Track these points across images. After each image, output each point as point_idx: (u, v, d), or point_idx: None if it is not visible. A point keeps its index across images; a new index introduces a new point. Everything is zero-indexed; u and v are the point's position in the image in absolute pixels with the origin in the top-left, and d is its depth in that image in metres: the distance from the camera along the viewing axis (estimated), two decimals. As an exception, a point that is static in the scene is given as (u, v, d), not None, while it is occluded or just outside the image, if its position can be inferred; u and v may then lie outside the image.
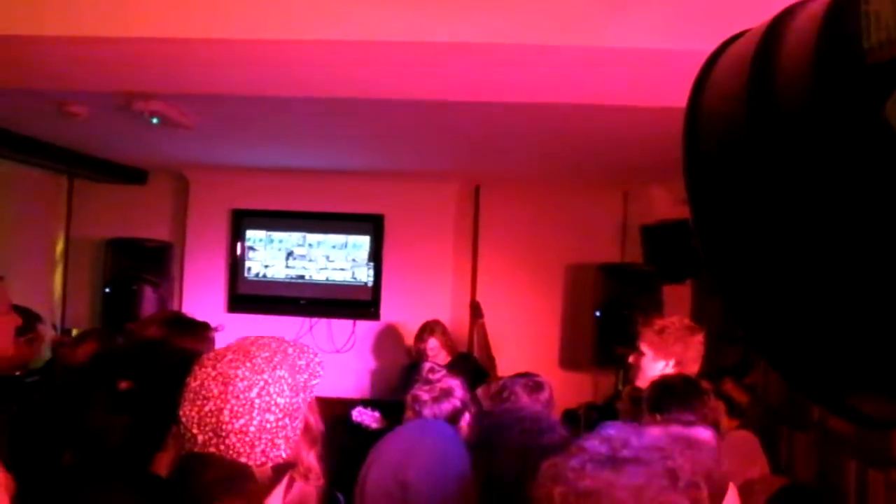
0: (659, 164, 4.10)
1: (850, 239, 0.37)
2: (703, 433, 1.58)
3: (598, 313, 4.72)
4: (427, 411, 2.13)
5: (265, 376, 0.99)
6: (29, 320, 2.71)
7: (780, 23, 0.44)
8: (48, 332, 3.22)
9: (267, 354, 1.03)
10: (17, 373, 2.93)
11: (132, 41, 1.90)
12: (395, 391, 4.51)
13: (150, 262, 5.04)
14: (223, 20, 1.86)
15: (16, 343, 2.53)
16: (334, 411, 4.21)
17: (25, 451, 1.49)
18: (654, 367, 2.26)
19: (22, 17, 1.84)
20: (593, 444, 0.87)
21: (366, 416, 3.85)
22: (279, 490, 1.04)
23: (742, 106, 0.43)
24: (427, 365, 2.28)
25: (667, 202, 4.84)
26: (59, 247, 5.35)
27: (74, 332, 4.47)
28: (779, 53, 0.42)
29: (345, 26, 1.82)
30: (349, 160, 4.57)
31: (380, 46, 1.86)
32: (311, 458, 1.10)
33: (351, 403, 4.80)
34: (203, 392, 0.98)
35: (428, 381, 2.18)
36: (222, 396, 0.97)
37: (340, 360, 4.95)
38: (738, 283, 0.47)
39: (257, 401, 0.97)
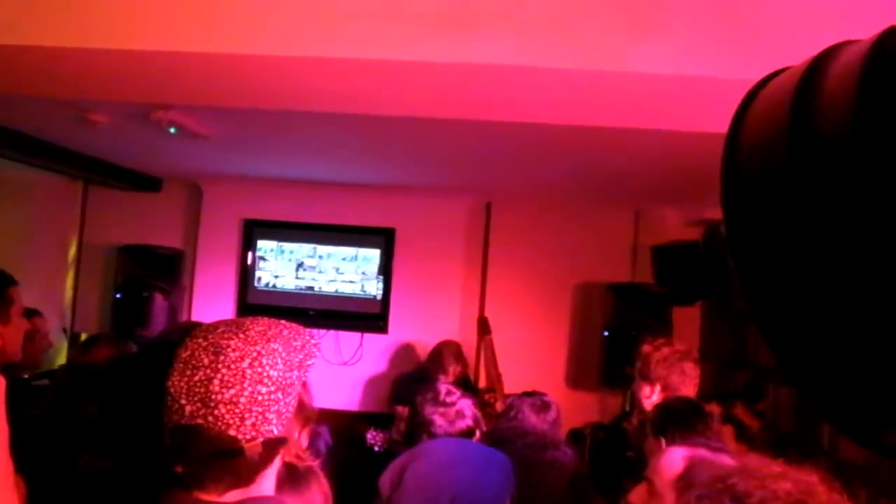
0: (671, 185, 4.11)
1: (887, 273, 0.37)
2: (727, 461, 1.57)
3: (606, 333, 4.70)
4: (442, 433, 2.13)
5: (258, 347, 0.96)
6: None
7: (822, 61, 0.45)
8: (45, 325, 3.22)
9: (261, 328, 1.00)
10: (25, 375, 2.95)
11: (154, 54, 1.93)
12: (391, 400, 4.48)
13: (162, 269, 5.06)
14: (243, 36, 1.88)
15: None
16: (340, 423, 4.22)
17: (38, 455, 1.50)
18: (643, 391, 2.25)
19: (49, 29, 1.87)
20: None
21: (379, 439, 4.05)
22: (271, 471, 1.00)
23: (783, 139, 0.44)
24: (444, 387, 2.26)
25: (678, 223, 4.83)
26: (72, 251, 5.39)
27: (83, 336, 4.50)
28: (821, 90, 0.43)
29: (362, 45, 1.84)
30: (362, 174, 4.60)
31: (398, 66, 1.88)
32: (303, 438, 1.07)
33: (357, 416, 4.80)
34: (193, 362, 0.95)
35: (445, 405, 2.17)
36: (213, 366, 0.94)
37: (347, 373, 4.95)
38: (774, 313, 0.47)
39: (249, 371, 0.94)
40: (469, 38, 1.74)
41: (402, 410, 3.70)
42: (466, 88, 2.04)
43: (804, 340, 0.45)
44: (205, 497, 0.95)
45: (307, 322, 4.97)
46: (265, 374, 0.95)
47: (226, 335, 0.97)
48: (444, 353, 4.36)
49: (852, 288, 0.39)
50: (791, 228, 0.43)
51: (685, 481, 1.37)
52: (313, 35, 1.85)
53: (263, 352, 0.96)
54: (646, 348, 2.30)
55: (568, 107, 2.17)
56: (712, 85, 1.65)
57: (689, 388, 2.22)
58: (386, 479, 2.00)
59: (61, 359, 4.66)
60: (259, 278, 5.09)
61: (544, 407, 2.51)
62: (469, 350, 4.91)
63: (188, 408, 0.93)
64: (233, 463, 0.94)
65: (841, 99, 0.40)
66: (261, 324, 1.01)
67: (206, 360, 0.94)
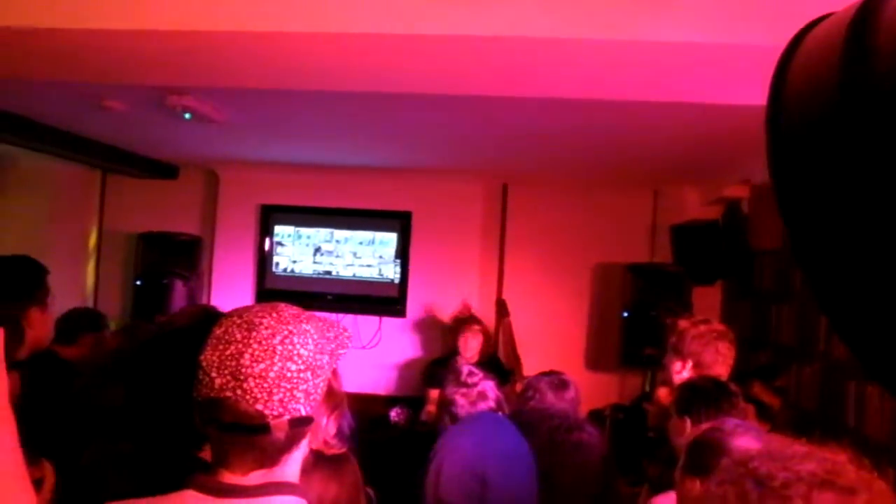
0: (690, 163, 4.05)
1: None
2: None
3: (625, 314, 4.67)
4: (463, 413, 2.14)
5: (290, 327, 0.98)
6: (98, 322, 2.79)
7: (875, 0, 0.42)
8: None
9: (294, 312, 1.02)
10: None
11: (169, 34, 1.92)
12: (422, 385, 4.53)
13: (181, 255, 5.10)
14: (257, 13, 1.87)
15: (80, 343, 2.63)
16: (360, 407, 4.25)
17: (63, 440, 1.52)
18: (674, 366, 2.22)
19: (61, 11, 1.87)
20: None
21: (403, 416, 4.19)
22: (297, 455, 1.00)
23: (836, 81, 0.41)
24: (466, 368, 2.28)
25: (697, 202, 4.77)
26: (92, 240, 5.44)
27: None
28: (876, 29, 0.40)
29: (378, 20, 1.82)
30: (378, 157, 4.58)
31: (414, 40, 1.85)
32: (330, 424, 1.06)
33: (376, 400, 4.83)
34: (226, 337, 0.96)
35: (466, 385, 2.19)
36: (245, 341, 0.95)
37: (366, 357, 4.97)
38: (830, 273, 0.44)
39: (279, 347, 0.95)
40: (485, 9, 1.71)
41: (433, 393, 3.73)
42: (484, 61, 2.01)
43: (863, 302, 0.42)
44: (228, 479, 0.95)
45: (325, 307, 5.01)
46: (295, 351, 0.96)
47: (260, 314, 0.99)
48: (459, 332, 4.39)
49: None
50: (845, 176, 0.40)
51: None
52: (331, 11, 1.83)
53: (295, 331, 0.98)
54: (682, 323, 2.26)
55: (586, 79, 2.13)
56: (735, 53, 1.61)
57: (721, 367, 2.17)
58: (428, 471, 2.04)
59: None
60: (277, 263, 5.12)
61: (562, 385, 2.50)
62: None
63: (218, 381, 0.94)
64: (258, 440, 0.94)
65: None
66: (295, 309, 1.03)
67: (238, 336, 0.96)
